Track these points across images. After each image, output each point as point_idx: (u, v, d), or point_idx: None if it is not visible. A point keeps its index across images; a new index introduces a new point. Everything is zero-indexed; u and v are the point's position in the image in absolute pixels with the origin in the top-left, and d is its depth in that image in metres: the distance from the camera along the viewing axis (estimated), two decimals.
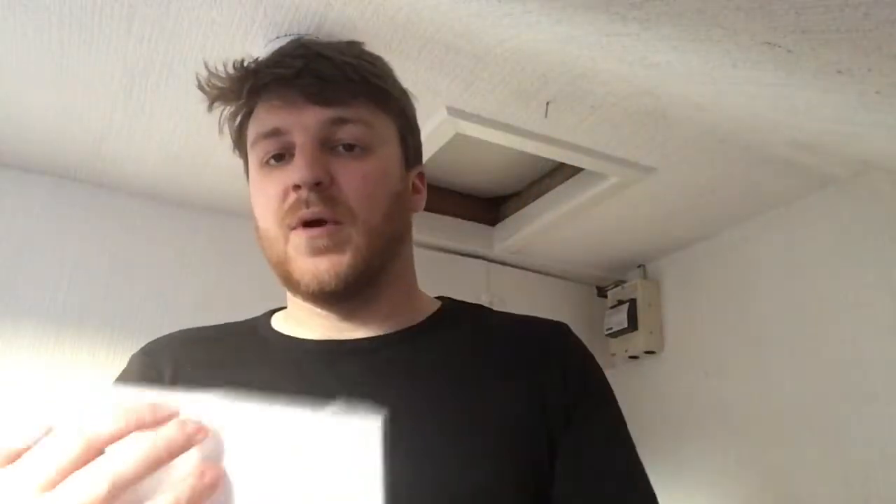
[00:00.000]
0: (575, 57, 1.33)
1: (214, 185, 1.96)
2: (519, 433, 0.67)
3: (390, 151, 0.74)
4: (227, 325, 0.82)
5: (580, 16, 1.17)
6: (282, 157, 0.70)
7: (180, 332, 0.81)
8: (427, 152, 1.72)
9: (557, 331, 0.78)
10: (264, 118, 0.71)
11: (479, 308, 0.82)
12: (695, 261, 2.19)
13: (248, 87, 0.71)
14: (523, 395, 0.69)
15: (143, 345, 0.78)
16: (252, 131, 0.73)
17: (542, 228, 2.11)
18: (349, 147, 0.69)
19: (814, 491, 1.70)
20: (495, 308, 0.85)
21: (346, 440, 0.45)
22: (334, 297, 0.69)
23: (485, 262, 2.29)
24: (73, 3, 1.26)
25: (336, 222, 0.68)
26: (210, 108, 0.77)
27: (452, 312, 0.79)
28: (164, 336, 0.80)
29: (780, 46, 1.19)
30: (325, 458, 0.45)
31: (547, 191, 2.04)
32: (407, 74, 1.41)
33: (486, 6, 1.17)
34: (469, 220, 2.21)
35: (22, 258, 1.85)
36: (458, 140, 1.65)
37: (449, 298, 0.82)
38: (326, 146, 0.69)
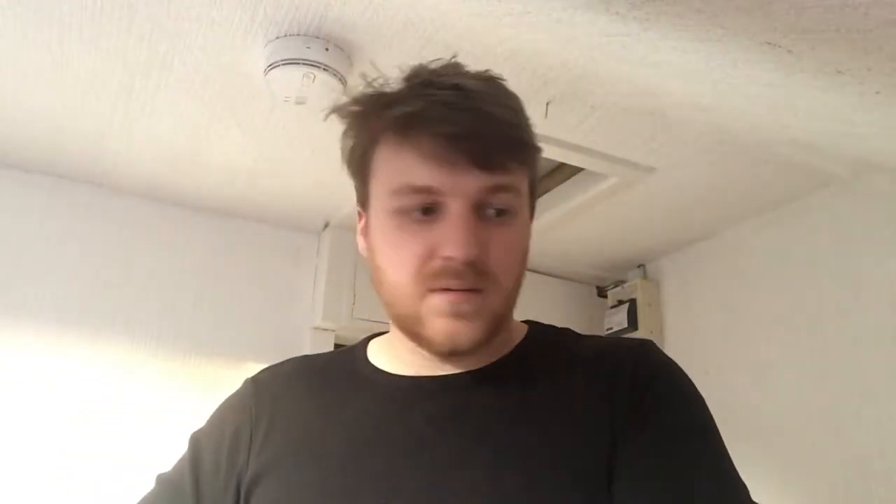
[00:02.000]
0: (575, 57, 1.33)
1: (214, 185, 1.96)
2: (589, 481, 0.63)
3: (527, 211, 0.72)
4: (332, 355, 0.84)
5: (580, 16, 1.17)
6: (426, 211, 0.66)
7: (292, 362, 0.83)
8: None
9: (633, 355, 0.71)
10: (416, 170, 0.66)
11: (563, 335, 0.78)
12: (695, 261, 2.19)
13: (399, 126, 0.66)
14: (593, 438, 0.65)
15: (257, 372, 0.82)
16: (396, 177, 0.67)
17: (541, 228, 2.11)
18: (500, 212, 0.67)
19: (814, 491, 1.70)
20: None
21: None
22: (461, 355, 0.69)
23: None
24: (73, 3, 1.26)
25: (479, 290, 0.66)
26: (345, 139, 0.72)
27: (536, 343, 0.76)
28: (279, 365, 0.82)
29: (780, 46, 1.19)
30: None
31: (547, 191, 2.04)
32: None
33: (486, 6, 1.17)
34: None
35: (22, 258, 1.85)
36: None
37: (534, 323, 0.80)
38: (478, 211, 0.66)
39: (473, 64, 1.48)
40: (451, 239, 0.64)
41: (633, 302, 2.26)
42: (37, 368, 1.79)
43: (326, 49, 1.32)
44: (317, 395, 0.76)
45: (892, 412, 1.57)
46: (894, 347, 1.59)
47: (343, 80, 1.36)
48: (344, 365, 0.78)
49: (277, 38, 1.32)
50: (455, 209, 0.65)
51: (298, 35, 1.31)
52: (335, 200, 2.02)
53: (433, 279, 0.65)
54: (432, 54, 1.33)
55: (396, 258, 0.67)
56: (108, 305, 1.91)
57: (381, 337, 0.80)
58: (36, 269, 1.86)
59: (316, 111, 1.54)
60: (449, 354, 0.68)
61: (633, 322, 2.24)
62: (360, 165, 0.72)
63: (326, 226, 2.19)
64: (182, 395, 1.89)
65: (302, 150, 1.75)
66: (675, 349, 2.18)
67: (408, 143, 0.66)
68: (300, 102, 1.41)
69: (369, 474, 0.66)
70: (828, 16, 1.10)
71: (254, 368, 0.82)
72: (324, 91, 1.37)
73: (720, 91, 1.38)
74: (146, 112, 1.62)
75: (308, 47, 1.31)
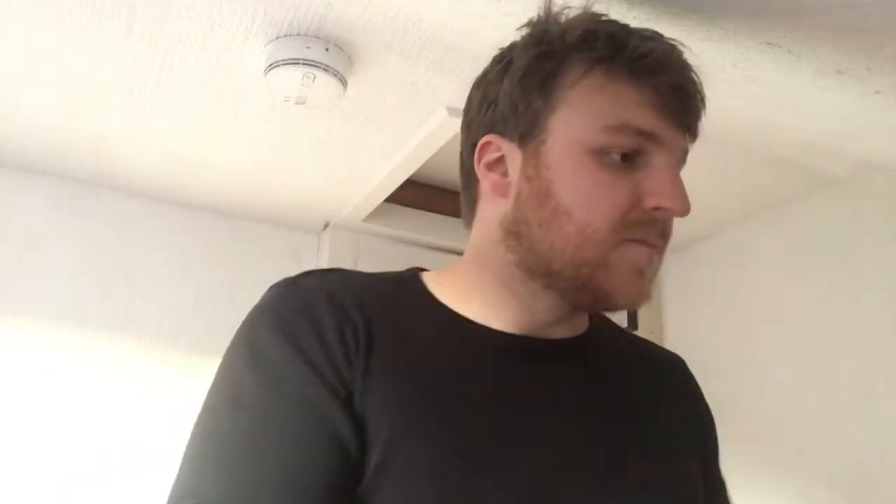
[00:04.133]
0: None
1: (214, 185, 1.96)
2: (682, 461, 0.68)
3: None
4: (381, 283, 0.70)
5: None
6: (627, 157, 0.62)
7: (352, 278, 0.69)
8: (427, 152, 1.72)
9: (684, 367, 0.82)
10: (643, 113, 0.61)
11: (608, 319, 0.78)
12: (695, 261, 2.19)
13: (636, 63, 0.61)
14: (679, 424, 0.70)
15: (294, 278, 0.68)
16: (615, 114, 0.61)
17: None
18: None
19: (814, 491, 1.70)
20: None
21: None
22: (610, 311, 0.68)
23: None
24: (73, 3, 1.26)
25: (658, 251, 0.65)
26: (523, 54, 0.66)
27: (602, 323, 0.76)
28: (332, 276, 0.68)
29: (780, 46, 1.19)
30: None
31: None
32: (407, 74, 1.41)
33: (486, 6, 1.17)
34: None
35: (22, 258, 1.85)
36: (459, 140, 1.65)
37: None
38: None
39: (473, 63, 1.48)
40: (669, 191, 0.62)
41: None
42: (36, 368, 1.79)
43: (326, 49, 1.32)
44: (407, 332, 0.64)
45: (892, 412, 1.57)
46: (894, 347, 1.59)
47: (343, 80, 1.36)
48: (406, 299, 0.68)
49: (277, 38, 1.32)
50: (666, 161, 0.63)
51: (298, 35, 1.31)
52: (335, 200, 2.02)
53: (633, 229, 0.62)
54: (432, 54, 1.34)
55: (596, 199, 0.61)
56: (108, 305, 1.91)
57: (448, 277, 0.71)
58: (36, 269, 1.86)
59: (316, 111, 1.54)
60: (616, 310, 0.65)
61: (633, 322, 2.23)
62: (542, 88, 0.64)
63: (326, 226, 2.19)
64: (181, 395, 1.89)
65: (302, 150, 1.75)
66: (675, 349, 2.17)
67: (640, 83, 0.61)
68: (300, 102, 1.41)
69: (493, 438, 0.60)
70: (828, 16, 1.10)
71: None
72: (324, 91, 1.37)
73: (720, 91, 1.38)
74: (146, 112, 1.61)
75: (308, 47, 1.31)
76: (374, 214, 2.08)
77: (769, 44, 1.19)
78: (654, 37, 0.64)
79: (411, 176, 1.85)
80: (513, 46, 0.70)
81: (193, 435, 0.60)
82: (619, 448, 0.64)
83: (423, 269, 0.73)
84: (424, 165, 1.81)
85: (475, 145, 0.69)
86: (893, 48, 1.16)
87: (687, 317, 2.19)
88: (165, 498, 0.57)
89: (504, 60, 0.69)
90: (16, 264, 1.84)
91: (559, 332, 0.68)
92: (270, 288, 0.68)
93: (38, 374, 1.79)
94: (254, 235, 2.15)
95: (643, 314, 2.23)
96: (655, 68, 0.62)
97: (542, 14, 0.68)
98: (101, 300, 1.90)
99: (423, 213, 2.16)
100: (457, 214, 2.53)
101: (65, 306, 1.86)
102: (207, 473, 0.56)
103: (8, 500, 1.69)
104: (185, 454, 0.59)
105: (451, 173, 2.08)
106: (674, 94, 0.62)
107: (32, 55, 1.42)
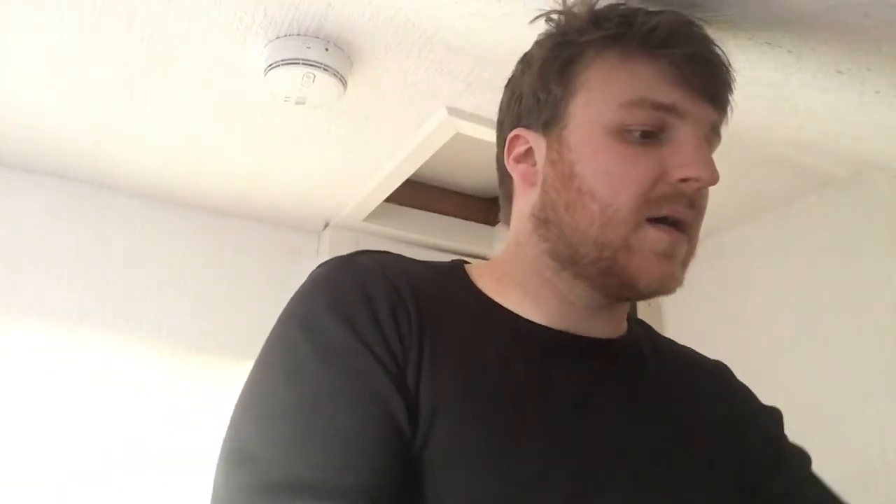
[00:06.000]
0: None
1: (214, 185, 1.96)
2: (717, 464, 0.68)
3: None
4: (428, 272, 0.68)
5: None
6: (649, 134, 0.62)
7: (399, 259, 0.69)
8: (427, 152, 1.72)
9: (727, 372, 0.85)
10: (658, 86, 0.61)
11: (648, 325, 0.79)
12: (695, 261, 2.19)
13: (644, 39, 0.62)
14: (719, 428, 0.71)
15: (352, 257, 0.68)
16: (630, 90, 0.62)
17: None
18: None
19: None
20: None
21: None
22: (642, 299, 0.66)
23: None
24: (72, 3, 1.26)
25: (685, 235, 0.63)
26: (540, 49, 0.66)
27: (637, 324, 0.77)
28: (385, 257, 0.68)
29: (780, 46, 1.19)
30: None
31: None
32: (407, 74, 1.41)
33: (486, 6, 1.17)
34: (469, 220, 2.22)
35: (22, 258, 1.85)
36: (458, 140, 1.65)
37: None
38: None
39: (473, 64, 1.47)
40: (692, 159, 0.60)
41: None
42: (36, 368, 1.79)
43: (326, 49, 1.32)
44: (455, 318, 0.64)
45: (892, 412, 1.57)
46: (894, 347, 1.59)
47: (343, 81, 1.36)
48: (452, 287, 0.68)
49: (277, 38, 1.32)
50: (691, 132, 0.62)
51: (298, 35, 1.31)
52: (335, 200, 2.02)
53: (658, 205, 0.61)
54: (432, 54, 1.34)
55: (618, 178, 0.61)
56: (108, 305, 1.91)
57: (488, 270, 0.71)
58: (36, 269, 1.86)
59: (316, 111, 1.54)
60: (648, 296, 0.64)
61: None
62: (560, 75, 0.65)
63: (326, 226, 2.19)
64: (181, 395, 1.89)
65: (302, 150, 1.75)
66: None
67: (654, 57, 0.62)
68: (300, 102, 1.41)
69: (535, 436, 0.59)
70: (828, 16, 1.10)
71: None
72: (324, 91, 1.37)
73: None
74: (146, 112, 1.61)
75: (308, 47, 1.31)
76: (374, 214, 2.08)
77: (769, 44, 1.19)
78: (665, 11, 0.64)
79: (411, 176, 1.85)
80: (533, 44, 0.71)
81: (243, 410, 0.59)
82: (654, 450, 0.63)
83: (466, 262, 0.74)
84: (424, 165, 1.81)
85: (506, 141, 0.70)
86: (893, 48, 1.16)
87: (687, 317, 2.19)
88: (217, 474, 0.56)
89: (526, 59, 0.71)
90: (16, 264, 1.84)
91: (598, 331, 0.68)
92: (321, 265, 0.68)
93: (38, 374, 1.79)
94: (254, 235, 2.15)
95: (643, 314, 2.24)
96: (668, 40, 0.62)
97: (557, 8, 0.70)
98: (100, 300, 1.90)
99: (423, 213, 2.16)
100: (457, 214, 2.53)
101: (65, 306, 1.86)
102: (262, 444, 0.55)
103: (8, 501, 1.69)
104: (235, 431, 0.58)
105: (451, 173, 2.09)
106: (690, 64, 0.62)
107: (32, 55, 1.42)
